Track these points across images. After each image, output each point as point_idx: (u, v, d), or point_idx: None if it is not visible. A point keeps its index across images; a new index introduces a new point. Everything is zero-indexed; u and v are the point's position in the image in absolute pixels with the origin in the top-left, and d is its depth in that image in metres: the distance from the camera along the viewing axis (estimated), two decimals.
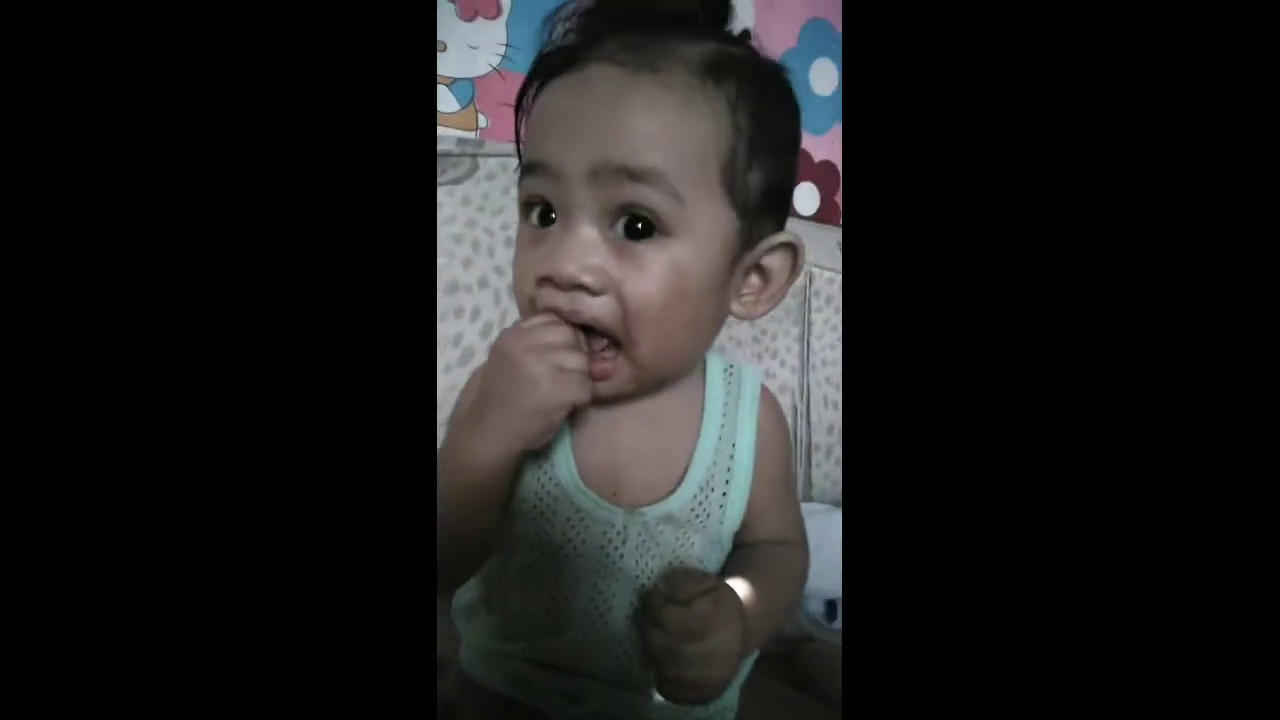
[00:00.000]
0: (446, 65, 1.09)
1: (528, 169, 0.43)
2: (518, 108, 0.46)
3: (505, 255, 0.96)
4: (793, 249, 0.46)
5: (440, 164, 0.95)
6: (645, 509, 0.48)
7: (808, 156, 1.36)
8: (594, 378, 0.43)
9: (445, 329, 0.93)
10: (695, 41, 0.42)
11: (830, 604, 0.90)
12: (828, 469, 1.19)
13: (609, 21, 0.43)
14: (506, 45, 1.12)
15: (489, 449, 0.41)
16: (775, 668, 0.77)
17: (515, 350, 0.41)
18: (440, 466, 0.42)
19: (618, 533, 0.47)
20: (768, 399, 0.54)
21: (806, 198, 1.38)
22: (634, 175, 0.39)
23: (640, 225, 0.41)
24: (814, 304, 1.20)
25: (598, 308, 0.41)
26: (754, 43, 0.46)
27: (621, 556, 0.47)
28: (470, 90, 1.11)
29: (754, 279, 0.47)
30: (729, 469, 0.50)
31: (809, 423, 1.18)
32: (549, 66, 0.44)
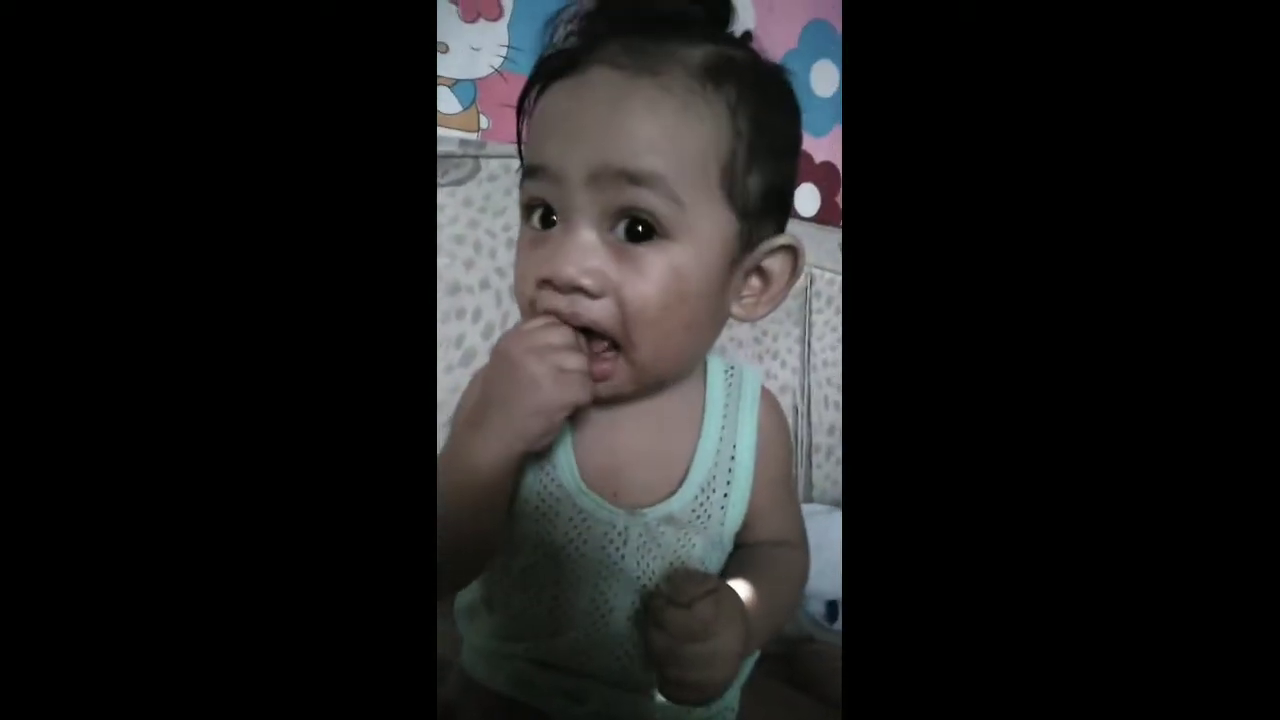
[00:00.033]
0: (448, 67, 1.10)
1: (528, 172, 0.43)
2: (519, 110, 0.46)
3: (507, 256, 0.96)
4: (793, 251, 0.46)
5: (442, 165, 0.95)
6: (646, 510, 0.48)
7: (808, 158, 1.37)
8: (594, 378, 0.43)
9: (447, 330, 0.93)
10: (696, 44, 0.42)
11: (831, 605, 0.90)
12: (828, 470, 1.19)
13: (610, 24, 0.43)
14: (508, 47, 1.12)
15: (490, 450, 0.41)
16: (776, 668, 0.77)
17: (516, 351, 0.41)
18: (442, 468, 0.42)
19: (619, 533, 0.47)
20: (768, 400, 0.54)
21: (807, 199, 1.38)
22: (634, 179, 0.40)
23: (640, 228, 0.41)
24: (815, 305, 1.20)
25: (597, 310, 0.41)
26: (755, 44, 0.46)
27: (623, 557, 0.48)
28: (472, 92, 1.12)
29: (754, 281, 0.47)
30: (730, 470, 0.50)
31: (809, 424, 1.18)
32: (550, 69, 0.44)
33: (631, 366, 0.43)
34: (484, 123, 1.12)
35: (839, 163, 1.37)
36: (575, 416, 0.45)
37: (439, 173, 0.94)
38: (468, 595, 0.54)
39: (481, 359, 0.91)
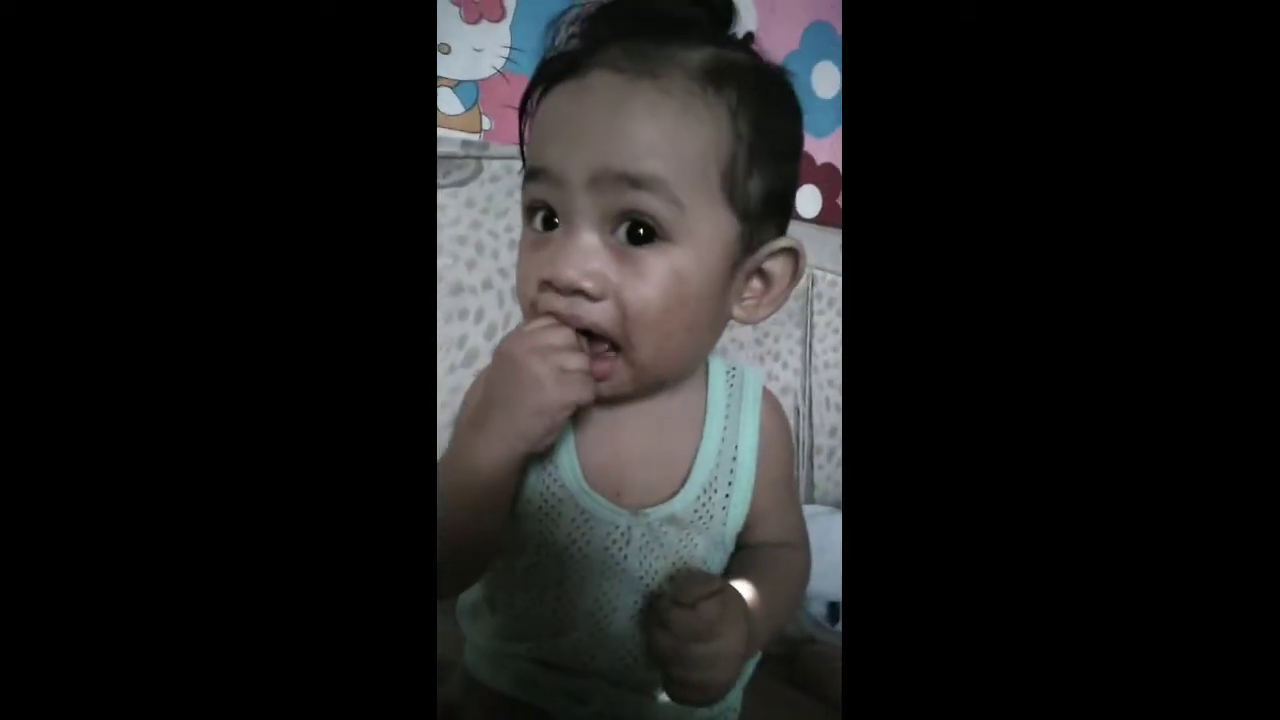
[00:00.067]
0: (451, 68, 1.10)
1: (530, 174, 0.43)
2: (521, 112, 0.46)
3: (509, 257, 0.96)
4: (794, 253, 0.47)
5: (444, 166, 0.95)
6: (649, 510, 0.48)
7: (810, 159, 1.37)
8: (595, 378, 0.43)
9: (449, 330, 0.93)
10: (697, 47, 0.42)
11: (833, 606, 0.90)
12: (829, 471, 1.19)
13: (612, 26, 0.43)
14: (511, 48, 1.12)
15: (493, 451, 0.41)
16: (778, 669, 0.77)
17: (518, 352, 0.41)
18: (445, 469, 0.42)
19: (622, 534, 0.48)
20: (770, 401, 0.54)
21: (809, 200, 1.38)
22: (634, 182, 0.40)
23: (641, 231, 0.41)
24: (816, 306, 1.20)
25: (597, 313, 0.42)
26: (756, 46, 0.46)
27: (625, 557, 0.48)
28: (474, 93, 1.12)
29: (755, 283, 0.47)
30: (732, 471, 0.50)
31: (811, 425, 1.18)
32: (552, 72, 0.44)
33: (631, 368, 0.44)
34: (486, 124, 1.13)
35: (840, 164, 1.37)
36: (577, 417, 0.45)
37: (441, 173, 0.94)
38: (470, 595, 0.54)
39: (484, 360, 0.91)
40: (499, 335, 0.94)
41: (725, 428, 0.51)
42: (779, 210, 0.46)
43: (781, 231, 0.47)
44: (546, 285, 0.42)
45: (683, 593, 0.42)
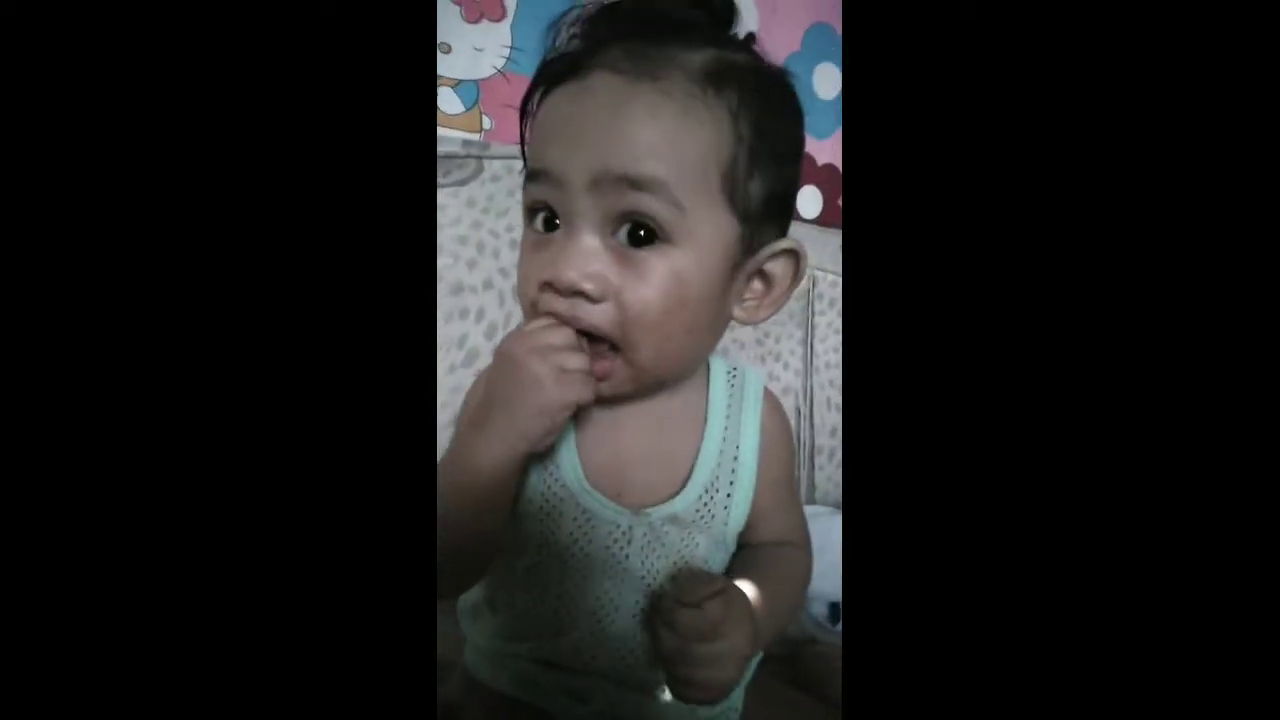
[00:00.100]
0: (451, 67, 1.10)
1: (531, 176, 0.43)
2: (522, 113, 0.46)
3: (510, 257, 0.96)
4: (795, 255, 0.47)
5: (445, 165, 0.95)
6: (651, 510, 0.48)
7: (810, 160, 1.37)
8: (595, 377, 0.43)
9: (450, 330, 0.93)
10: (697, 49, 0.42)
11: (834, 606, 0.90)
12: (830, 472, 1.19)
13: (613, 28, 0.43)
14: (511, 47, 1.12)
15: (494, 451, 0.41)
16: (779, 669, 0.77)
17: (519, 352, 0.41)
18: (446, 469, 0.42)
19: (623, 533, 0.48)
20: (771, 401, 0.54)
21: (809, 201, 1.38)
22: (635, 184, 0.40)
23: (642, 233, 0.41)
24: (817, 307, 1.20)
25: (597, 315, 0.42)
26: (757, 47, 0.47)
27: (627, 557, 0.48)
28: (475, 92, 1.12)
29: (756, 284, 0.47)
30: (733, 470, 0.50)
31: (812, 425, 1.18)
32: (553, 73, 0.44)
33: (631, 368, 0.44)
34: (487, 123, 1.13)
35: (841, 165, 1.37)
36: (578, 417, 0.45)
37: (442, 173, 0.95)
38: (471, 595, 0.54)
39: (485, 359, 0.92)
40: (499, 335, 0.94)
41: (726, 428, 0.51)
42: (780, 211, 0.46)
43: (782, 233, 0.47)
44: (547, 286, 0.42)
45: (687, 592, 0.42)
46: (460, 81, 1.11)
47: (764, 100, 0.43)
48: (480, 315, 0.95)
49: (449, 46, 1.09)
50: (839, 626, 0.87)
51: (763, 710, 0.57)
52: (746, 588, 0.46)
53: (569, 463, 0.48)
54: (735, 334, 1.12)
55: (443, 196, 0.94)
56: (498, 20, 1.11)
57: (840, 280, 1.21)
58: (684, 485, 0.49)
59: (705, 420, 0.51)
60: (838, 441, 1.19)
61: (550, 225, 0.44)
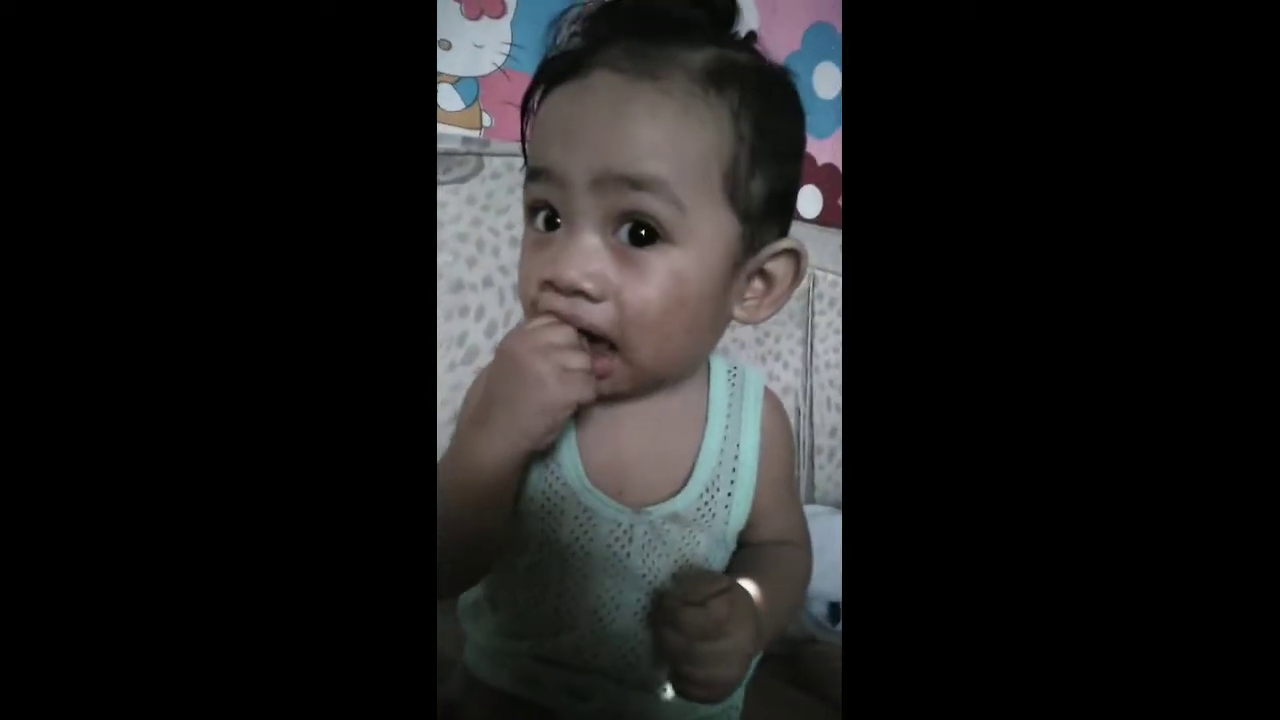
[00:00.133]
0: (451, 64, 1.10)
1: (532, 174, 0.43)
2: (523, 111, 0.46)
3: (510, 254, 0.96)
4: (795, 255, 0.47)
5: (445, 163, 0.95)
6: (651, 508, 0.48)
7: (811, 160, 1.37)
8: (595, 376, 0.43)
9: (449, 328, 0.93)
10: (698, 48, 0.42)
11: (834, 606, 0.90)
12: (830, 471, 1.19)
13: (613, 26, 0.43)
14: (511, 44, 1.12)
15: (495, 449, 0.41)
16: (779, 669, 0.78)
17: (520, 351, 0.41)
18: (446, 467, 0.42)
19: (624, 531, 0.48)
20: (771, 400, 0.54)
21: (810, 201, 1.38)
22: (635, 183, 0.40)
23: (643, 232, 0.41)
24: (817, 307, 1.20)
25: (597, 314, 0.42)
26: (758, 46, 0.46)
27: (628, 555, 0.48)
28: (475, 89, 1.12)
29: (757, 284, 0.47)
30: (734, 469, 0.50)
31: (812, 425, 1.18)
32: (553, 71, 0.44)
33: (631, 367, 0.44)
34: (487, 120, 1.13)
35: (841, 165, 1.37)
36: (579, 416, 0.45)
37: (442, 170, 0.94)
38: (471, 594, 0.54)
39: (484, 357, 0.92)
40: (499, 333, 0.94)
41: (727, 427, 0.51)
42: (781, 211, 0.46)
43: (783, 232, 0.47)
44: (548, 285, 0.42)
45: (692, 591, 0.43)
46: (460, 78, 1.11)
47: (765, 99, 0.43)
48: (480, 313, 0.95)
49: (449, 43, 1.09)
50: (839, 626, 0.87)
51: (763, 709, 0.57)
52: (748, 586, 0.47)
53: (570, 461, 0.48)
54: (735, 334, 1.12)
55: (443, 194, 0.94)
56: (498, 17, 1.11)
57: (840, 280, 1.21)
58: (685, 484, 0.49)
59: (706, 419, 0.51)
60: (838, 441, 1.19)
61: (551, 224, 0.44)
